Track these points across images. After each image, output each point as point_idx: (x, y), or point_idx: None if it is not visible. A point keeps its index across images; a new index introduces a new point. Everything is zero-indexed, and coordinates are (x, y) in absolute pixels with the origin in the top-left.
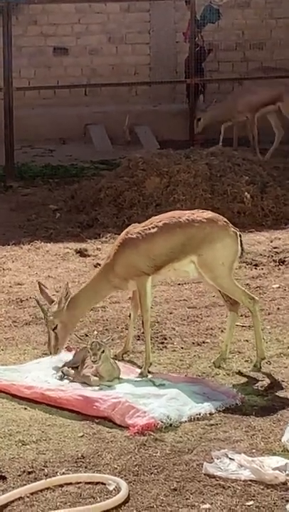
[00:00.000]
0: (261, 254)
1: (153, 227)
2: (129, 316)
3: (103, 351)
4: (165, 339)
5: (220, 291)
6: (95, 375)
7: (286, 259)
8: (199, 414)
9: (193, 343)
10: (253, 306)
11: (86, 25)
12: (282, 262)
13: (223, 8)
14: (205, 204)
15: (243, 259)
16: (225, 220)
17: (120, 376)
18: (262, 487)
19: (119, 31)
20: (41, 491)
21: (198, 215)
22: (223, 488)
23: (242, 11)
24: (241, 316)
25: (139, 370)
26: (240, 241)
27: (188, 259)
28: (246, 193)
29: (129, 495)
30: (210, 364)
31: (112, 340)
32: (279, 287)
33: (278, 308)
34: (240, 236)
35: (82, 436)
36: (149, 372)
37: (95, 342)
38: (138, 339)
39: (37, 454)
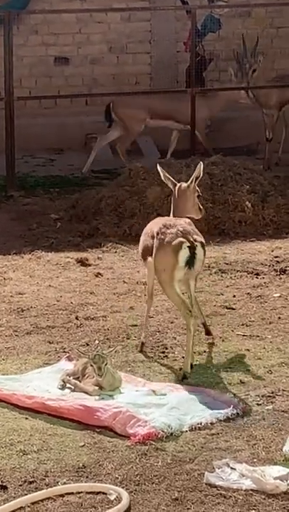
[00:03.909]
0: (262, 264)
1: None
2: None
3: (106, 364)
4: (166, 348)
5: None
6: (96, 385)
7: (287, 268)
8: (200, 424)
9: (194, 352)
10: (189, 319)
11: (87, 35)
12: (283, 271)
13: (224, 18)
14: (206, 213)
15: (196, 270)
16: (184, 230)
17: (121, 386)
18: (263, 497)
19: (120, 41)
20: (42, 500)
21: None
22: (225, 497)
23: (243, 21)
24: (242, 325)
25: (140, 380)
26: (193, 253)
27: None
28: (247, 202)
29: (130, 505)
30: (211, 373)
31: (116, 352)
32: (280, 296)
33: (279, 318)
34: (193, 248)
35: (83, 446)
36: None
37: (97, 355)
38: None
39: (38, 464)
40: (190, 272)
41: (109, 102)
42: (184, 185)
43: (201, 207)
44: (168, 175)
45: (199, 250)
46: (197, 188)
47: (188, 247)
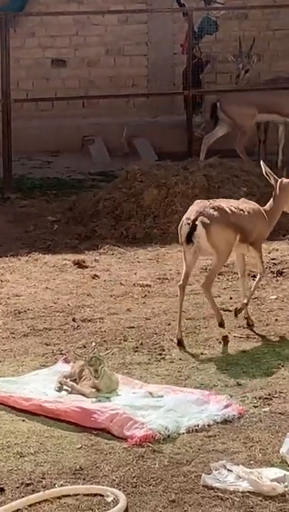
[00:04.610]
0: None
1: None
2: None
3: (103, 366)
4: (163, 350)
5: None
6: (93, 387)
7: (284, 270)
8: (197, 426)
9: (192, 354)
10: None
11: (84, 37)
12: (280, 273)
13: (221, 20)
14: None
15: (189, 246)
16: (198, 209)
17: (118, 388)
18: (260, 499)
19: (117, 43)
20: (39, 503)
21: None
22: (222, 499)
23: (239, 23)
24: (239, 327)
25: (137, 382)
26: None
27: None
28: None
29: (127, 507)
30: (208, 375)
31: (112, 354)
32: (277, 298)
33: (276, 320)
34: (184, 225)
35: (80, 448)
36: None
37: (94, 357)
38: (135, 351)
39: (35, 466)
40: (193, 248)
41: (215, 101)
42: (285, 181)
43: None
44: (269, 170)
45: (199, 228)
46: None
47: (187, 224)
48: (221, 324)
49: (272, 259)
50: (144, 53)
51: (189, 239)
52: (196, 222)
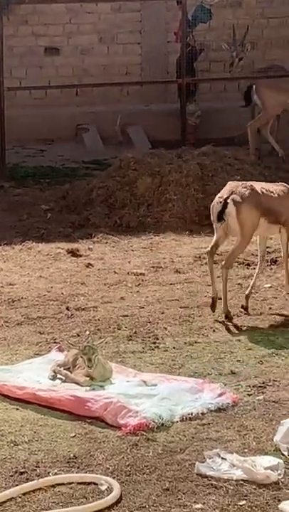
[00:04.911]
0: (253, 254)
1: None
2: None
3: (96, 355)
4: (157, 339)
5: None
6: (87, 376)
7: (278, 258)
8: (191, 414)
9: (185, 342)
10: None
11: (77, 25)
12: (273, 261)
13: (215, 8)
14: (197, 204)
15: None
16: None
17: (112, 376)
18: (254, 487)
19: (111, 31)
20: (33, 491)
21: None
22: (216, 487)
23: (233, 11)
24: (233, 315)
25: (131, 370)
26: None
27: None
28: None
29: (121, 495)
30: (202, 364)
31: (106, 343)
32: (271, 287)
33: (270, 308)
34: (216, 203)
35: (74, 437)
36: None
37: (87, 346)
38: (129, 340)
39: (29, 455)
40: (224, 226)
41: (250, 84)
42: None
43: None
44: None
45: (230, 206)
46: None
47: (220, 202)
48: (227, 316)
49: (267, 247)
50: (137, 41)
51: (220, 216)
52: (228, 201)
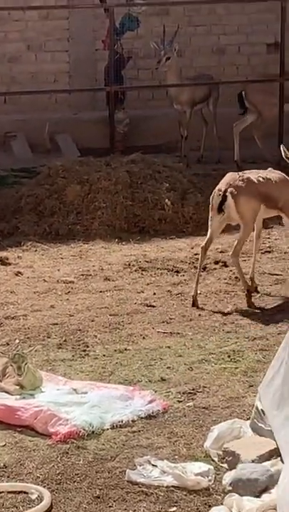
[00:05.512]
0: (182, 261)
1: None
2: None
3: (26, 363)
4: (87, 347)
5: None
6: (17, 385)
7: (207, 266)
8: (122, 421)
9: (115, 350)
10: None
11: (4, 33)
12: (203, 268)
13: (142, 16)
14: (126, 211)
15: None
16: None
17: (42, 385)
18: (185, 493)
19: (38, 39)
20: None
21: None
22: (146, 494)
23: (161, 19)
24: (163, 322)
25: (61, 378)
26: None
27: None
28: (167, 200)
29: (52, 503)
30: (132, 371)
31: (36, 351)
32: (200, 294)
33: (200, 315)
34: (216, 195)
35: (4, 446)
36: None
37: (17, 355)
38: (59, 348)
39: None
40: (223, 217)
41: (241, 90)
42: None
43: None
44: None
45: (229, 199)
46: None
47: (219, 194)
48: (248, 291)
49: (196, 254)
50: (65, 49)
51: (220, 208)
52: (227, 193)
